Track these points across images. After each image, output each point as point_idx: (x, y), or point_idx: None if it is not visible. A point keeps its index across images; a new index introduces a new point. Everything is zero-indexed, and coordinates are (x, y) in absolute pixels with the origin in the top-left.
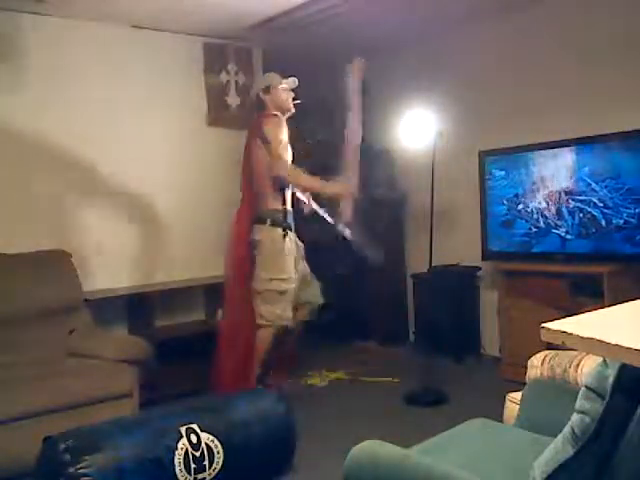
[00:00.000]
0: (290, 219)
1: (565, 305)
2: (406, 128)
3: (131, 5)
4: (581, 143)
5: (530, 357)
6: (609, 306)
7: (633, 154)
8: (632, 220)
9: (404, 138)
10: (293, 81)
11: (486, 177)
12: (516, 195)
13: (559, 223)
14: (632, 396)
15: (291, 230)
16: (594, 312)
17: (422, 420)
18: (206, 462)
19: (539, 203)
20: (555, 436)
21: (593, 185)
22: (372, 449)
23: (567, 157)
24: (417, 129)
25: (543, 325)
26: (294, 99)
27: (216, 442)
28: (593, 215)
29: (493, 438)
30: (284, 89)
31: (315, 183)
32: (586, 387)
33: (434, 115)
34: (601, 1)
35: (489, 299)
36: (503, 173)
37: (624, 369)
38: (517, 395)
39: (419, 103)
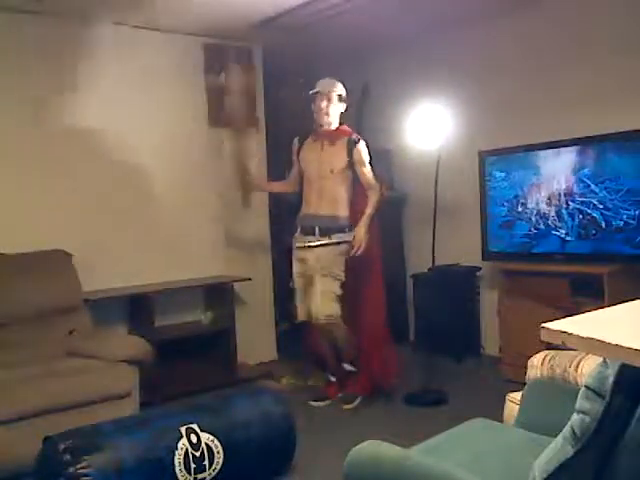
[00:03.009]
0: (304, 221)
1: (565, 305)
2: (406, 128)
3: (131, 5)
4: (581, 144)
5: (530, 357)
6: (609, 306)
7: (633, 155)
8: (632, 222)
9: (404, 138)
10: (321, 84)
11: (486, 178)
12: (516, 196)
13: (559, 225)
14: (632, 396)
15: (300, 232)
16: (594, 312)
17: (422, 420)
18: (206, 462)
19: (539, 205)
20: (555, 436)
21: (592, 187)
22: (372, 449)
23: (567, 158)
24: (417, 129)
25: (543, 325)
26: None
27: (216, 442)
28: (593, 217)
29: (493, 438)
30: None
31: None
32: (586, 387)
33: (434, 115)
34: (601, 2)
35: (489, 299)
36: (503, 174)
37: (624, 369)
38: (517, 395)
39: (419, 103)
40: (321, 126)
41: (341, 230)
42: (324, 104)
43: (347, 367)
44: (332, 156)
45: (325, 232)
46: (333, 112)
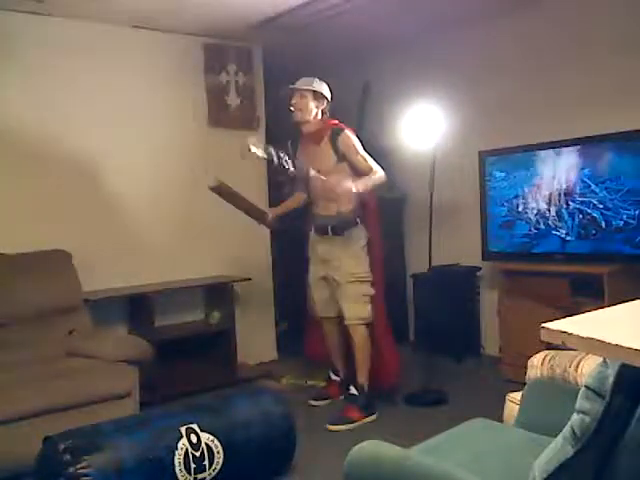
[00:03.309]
0: (316, 221)
1: (565, 305)
2: (406, 128)
3: (131, 5)
4: (581, 144)
5: (530, 357)
6: (609, 306)
7: (633, 155)
8: (632, 222)
9: (404, 138)
10: (297, 83)
11: (486, 178)
12: (516, 196)
13: (559, 225)
14: (632, 396)
15: (315, 232)
16: (594, 312)
17: (422, 420)
18: (206, 462)
19: (539, 204)
20: (555, 436)
21: (593, 186)
22: (372, 449)
23: (567, 158)
24: (417, 129)
25: (543, 325)
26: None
27: (216, 442)
28: (593, 217)
29: (493, 438)
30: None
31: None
32: (586, 387)
33: (434, 115)
34: (601, 2)
35: (489, 299)
36: (503, 174)
37: (624, 369)
38: (517, 395)
39: (419, 103)
40: (298, 124)
41: (352, 225)
42: (295, 100)
43: (352, 391)
44: (321, 155)
45: (337, 231)
46: (307, 108)
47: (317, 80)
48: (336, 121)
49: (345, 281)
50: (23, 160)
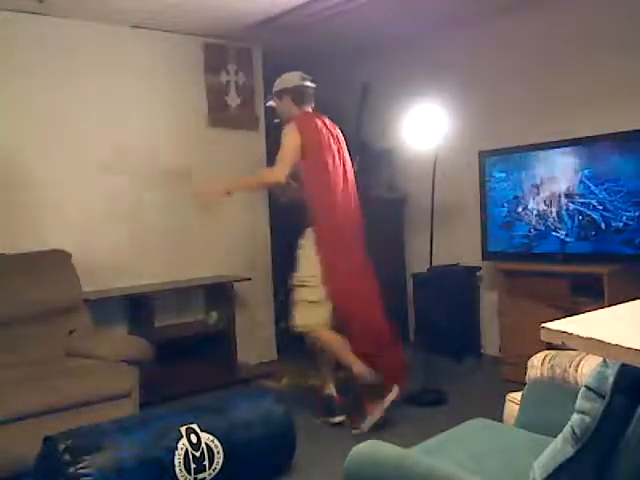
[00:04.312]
0: None
1: (565, 305)
2: (407, 128)
3: (131, 5)
4: (581, 144)
5: (530, 357)
6: (609, 306)
7: (633, 156)
8: (631, 223)
9: (404, 138)
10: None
11: (486, 178)
12: (516, 197)
13: (559, 226)
14: (632, 396)
15: None
16: (594, 312)
17: (422, 420)
18: (206, 462)
19: (539, 205)
20: (555, 436)
21: (592, 188)
22: (372, 449)
23: (567, 158)
24: (418, 129)
25: (543, 325)
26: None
27: (216, 442)
28: (593, 218)
29: (493, 438)
30: None
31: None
32: (586, 387)
33: (435, 115)
34: (601, 2)
35: (489, 299)
36: (503, 175)
37: (624, 369)
38: (517, 395)
39: (419, 103)
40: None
41: (307, 225)
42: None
43: (329, 392)
44: None
45: (300, 231)
46: (280, 110)
47: (276, 81)
48: (296, 116)
49: (293, 284)
50: (22, 161)
